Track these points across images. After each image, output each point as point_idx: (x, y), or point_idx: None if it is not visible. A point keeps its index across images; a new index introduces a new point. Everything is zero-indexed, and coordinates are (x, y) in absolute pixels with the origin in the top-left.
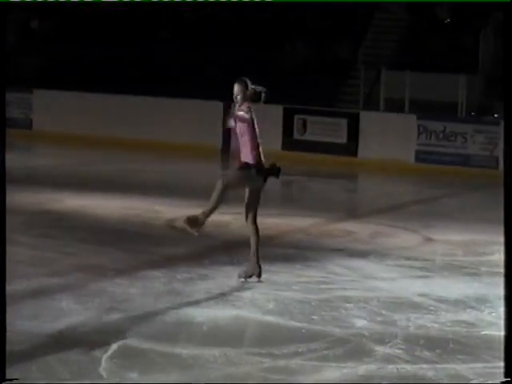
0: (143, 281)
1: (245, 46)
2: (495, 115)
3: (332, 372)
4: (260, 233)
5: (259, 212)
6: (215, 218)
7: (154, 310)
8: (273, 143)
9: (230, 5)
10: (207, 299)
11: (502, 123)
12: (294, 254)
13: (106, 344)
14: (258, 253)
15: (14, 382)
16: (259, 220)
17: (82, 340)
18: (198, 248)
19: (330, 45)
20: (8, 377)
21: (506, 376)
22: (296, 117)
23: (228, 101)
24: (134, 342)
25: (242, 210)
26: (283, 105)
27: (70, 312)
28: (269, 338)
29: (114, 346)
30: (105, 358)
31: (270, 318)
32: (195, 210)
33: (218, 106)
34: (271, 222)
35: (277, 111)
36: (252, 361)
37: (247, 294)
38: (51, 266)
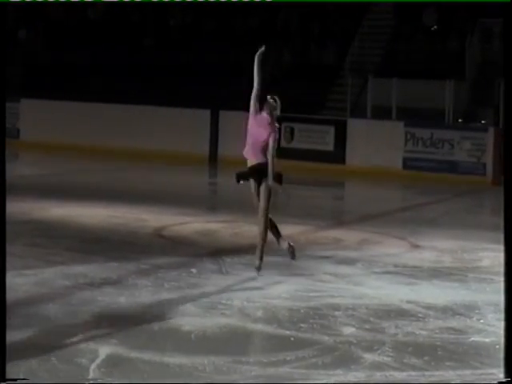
0: (131, 289)
1: (231, 53)
2: (482, 122)
3: (321, 380)
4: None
5: (248, 220)
6: (201, 226)
7: (141, 318)
8: None
9: (217, 11)
10: (195, 308)
11: (490, 129)
12: (282, 262)
13: (93, 353)
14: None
15: (14, 382)
16: (247, 228)
17: (70, 349)
18: (186, 256)
19: (317, 52)
20: None
21: (506, 376)
22: (283, 125)
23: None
24: (122, 351)
25: (229, 218)
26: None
27: (58, 321)
28: (257, 347)
29: (102, 355)
30: (92, 366)
31: (258, 327)
32: (182, 218)
33: (206, 114)
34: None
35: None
36: (240, 369)
37: (236, 303)
38: (38, 275)
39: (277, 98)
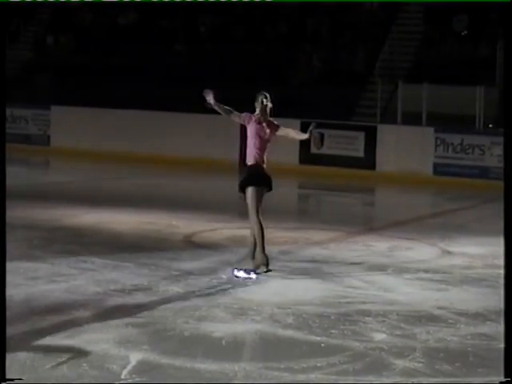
0: (162, 296)
1: (261, 59)
2: None
3: None
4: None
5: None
6: (232, 232)
7: (172, 325)
8: (290, 157)
9: (246, 19)
10: (226, 314)
11: None
12: (312, 268)
13: (124, 359)
14: (263, 244)
15: (14, 382)
16: (277, 234)
17: (101, 355)
18: (217, 263)
19: (347, 58)
20: None
21: (505, 376)
22: (313, 131)
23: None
24: (153, 357)
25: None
26: (300, 119)
27: (89, 328)
28: (288, 353)
29: (133, 361)
30: (123, 373)
31: (289, 333)
32: (212, 225)
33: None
34: (289, 235)
35: (294, 125)
36: (271, 376)
37: (266, 309)
38: (70, 281)
39: (265, 94)
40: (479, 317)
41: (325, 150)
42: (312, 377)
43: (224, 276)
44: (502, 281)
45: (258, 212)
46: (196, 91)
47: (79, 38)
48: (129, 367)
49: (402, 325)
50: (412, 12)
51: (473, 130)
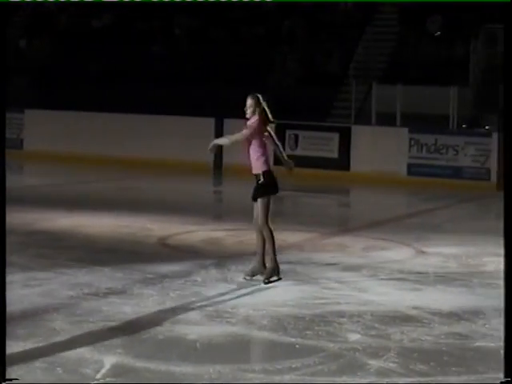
0: (136, 299)
1: (237, 60)
2: (486, 127)
3: None
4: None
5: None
6: (207, 235)
7: (147, 328)
8: None
9: (223, 20)
10: (200, 316)
11: (494, 135)
12: (286, 269)
13: (98, 363)
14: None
15: (14, 381)
16: (252, 236)
17: (75, 359)
18: (191, 265)
19: (321, 59)
20: None
21: (505, 376)
22: (288, 132)
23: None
24: (127, 361)
25: (234, 226)
26: (275, 120)
27: (63, 332)
28: (263, 355)
29: (107, 365)
30: (97, 376)
31: (263, 334)
32: (187, 227)
33: (210, 122)
34: None
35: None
36: (246, 378)
37: (241, 311)
38: (44, 285)
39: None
40: (453, 316)
41: (299, 152)
42: (287, 378)
43: (198, 278)
44: (476, 280)
45: (268, 220)
46: (173, 93)
47: (54, 41)
48: (103, 371)
49: (377, 325)
50: (386, 13)
51: (447, 130)
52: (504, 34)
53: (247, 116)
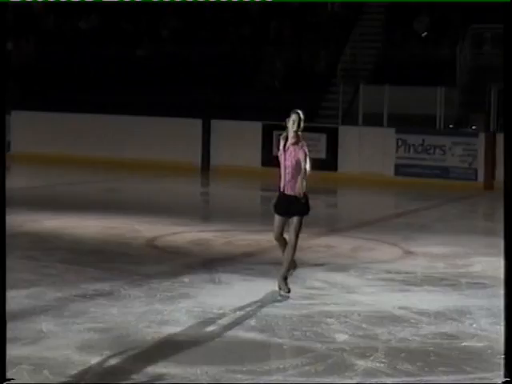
0: (124, 300)
1: (224, 62)
2: (473, 127)
3: None
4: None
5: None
6: (194, 236)
7: (134, 329)
8: (252, 160)
9: (209, 21)
10: (188, 317)
11: (480, 135)
12: (275, 270)
13: (86, 364)
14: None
15: (14, 381)
16: (240, 236)
17: (62, 361)
18: (179, 267)
19: (309, 60)
20: None
21: (505, 376)
22: (275, 133)
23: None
24: (115, 362)
25: (222, 227)
26: (262, 121)
27: (50, 334)
28: (250, 355)
29: (95, 367)
30: (86, 378)
31: (251, 335)
32: (174, 228)
33: (197, 123)
34: (251, 238)
35: (256, 128)
36: (234, 378)
37: (229, 312)
38: (31, 287)
39: (298, 112)
40: (440, 316)
41: None
42: (275, 379)
43: (186, 279)
44: (463, 280)
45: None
46: (159, 94)
47: (40, 42)
48: (90, 372)
49: (364, 325)
50: (373, 13)
51: (434, 130)
52: (504, 33)
53: (293, 130)
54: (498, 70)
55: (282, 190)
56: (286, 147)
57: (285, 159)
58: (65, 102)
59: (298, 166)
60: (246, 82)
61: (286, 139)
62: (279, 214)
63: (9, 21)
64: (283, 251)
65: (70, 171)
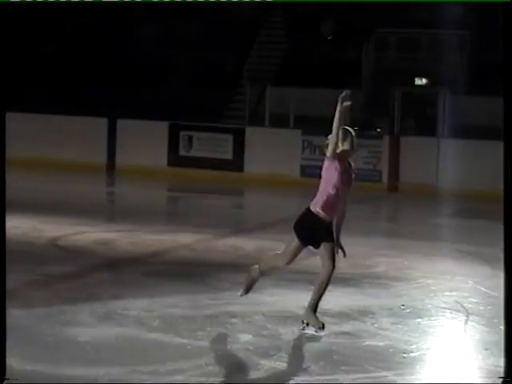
0: (26, 300)
1: (132, 61)
2: (378, 130)
3: None
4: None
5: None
6: (98, 236)
7: (36, 330)
8: (158, 160)
9: (116, 20)
10: (91, 318)
11: (385, 137)
12: (179, 271)
13: None
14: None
15: (14, 381)
16: (145, 237)
17: None
18: (82, 267)
19: (216, 61)
20: None
21: (505, 376)
22: (181, 133)
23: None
24: (16, 363)
25: (127, 228)
26: (168, 121)
27: None
28: (154, 356)
29: None
30: None
31: (155, 336)
32: (78, 228)
33: (103, 122)
34: (156, 238)
35: (162, 128)
36: (136, 379)
37: (132, 312)
38: None
39: (349, 130)
40: (343, 316)
41: (193, 153)
42: (179, 379)
43: (90, 280)
44: (366, 280)
45: None
46: (65, 92)
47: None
48: None
49: (268, 325)
50: (280, 16)
51: None
52: (504, 33)
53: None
54: (402, 74)
55: None
56: None
57: None
58: None
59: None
60: (154, 82)
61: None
62: None
63: None
64: None
65: None
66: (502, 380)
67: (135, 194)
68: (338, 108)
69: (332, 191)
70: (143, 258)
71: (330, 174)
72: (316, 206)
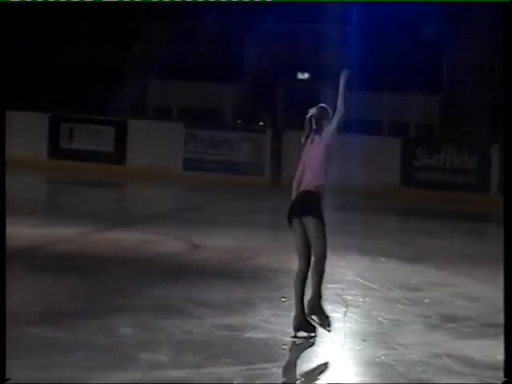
0: None
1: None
2: (261, 123)
3: (97, 381)
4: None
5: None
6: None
7: None
8: (38, 152)
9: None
10: None
11: (268, 131)
12: (57, 265)
13: None
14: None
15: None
16: (24, 230)
17: None
18: None
19: (98, 52)
20: None
21: (505, 376)
22: (62, 125)
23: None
24: None
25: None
26: (49, 112)
27: None
28: (32, 350)
29: None
30: None
31: (34, 330)
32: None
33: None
34: (36, 232)
35: (42, 119)
36: (9, 374)
37: (12, 309)
38: None
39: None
40: (224, 308)
41: (75, 145)
42: (55, 374)
43: None
44: (248, 272)
45: None
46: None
47: None
48: None
49: (150, 318)
50: (163, 9)
51: (222, 125)
52: (504, 33)
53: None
54: (285, 68)
55: None
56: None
57: None
58: None
59: None
60: (40, 73)
61: None
62: None
63: None
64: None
65: None
66: (502, 380)
67: (13, 186)
68: (342, 84)
69: (321, 166)
70: (21, 251)
71: (318, 151)
72: (311, 185)
